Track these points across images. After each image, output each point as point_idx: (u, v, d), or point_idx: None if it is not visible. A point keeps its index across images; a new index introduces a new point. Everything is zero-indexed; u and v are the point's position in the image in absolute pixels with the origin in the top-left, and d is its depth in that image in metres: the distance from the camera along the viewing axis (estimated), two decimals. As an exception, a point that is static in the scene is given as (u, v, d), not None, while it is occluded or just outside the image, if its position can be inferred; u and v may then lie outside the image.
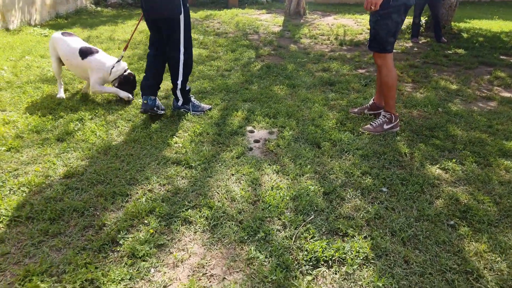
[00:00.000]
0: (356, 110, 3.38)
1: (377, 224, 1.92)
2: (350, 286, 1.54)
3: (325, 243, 1.75)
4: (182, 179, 2.26)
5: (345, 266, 1.63)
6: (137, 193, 2.10)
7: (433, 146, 2.77)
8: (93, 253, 1.65)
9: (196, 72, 4.48)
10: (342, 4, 12.27)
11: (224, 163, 2.43)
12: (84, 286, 1.49)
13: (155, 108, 3.03)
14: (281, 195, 2.11)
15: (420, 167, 2.47)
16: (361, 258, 1.68)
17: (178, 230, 1.83)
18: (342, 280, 1.57)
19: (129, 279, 1.53)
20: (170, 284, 1.52)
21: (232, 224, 1.88)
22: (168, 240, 1.77)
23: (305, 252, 1.70)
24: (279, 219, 1.93)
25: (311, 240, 1.77)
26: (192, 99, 3.30)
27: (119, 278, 1.52)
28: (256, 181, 2.24)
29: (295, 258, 1.67)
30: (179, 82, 3.10)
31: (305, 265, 1.63)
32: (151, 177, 2.24)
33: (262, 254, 1.68)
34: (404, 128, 3.07)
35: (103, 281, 1.50)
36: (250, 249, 1.71)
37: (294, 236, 1.81)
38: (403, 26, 7.74)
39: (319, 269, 1.62)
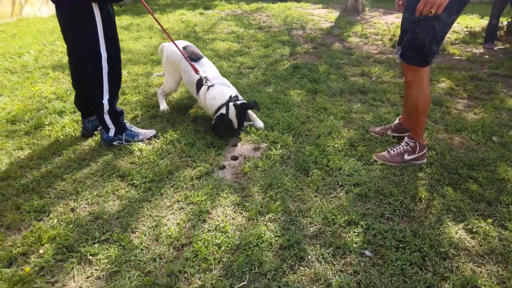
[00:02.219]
0: (377, 129, 2.67)
1: (332, 311, 1.33)
2: None
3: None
4: (115, 200, 1.87)
5: None
6: (56, 211, 1.77)
7: (466, 193, 1.99)
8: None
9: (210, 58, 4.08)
10: None
11: (175, 185, 1.99)
12: None
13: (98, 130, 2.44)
14: (220, 241, 1.60)
15: (435, 223, 1.76)
16: None
17: (70, 271, 1.45)
18: None
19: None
20: None
21: (136, 274, 1.43)
22: (50, 283, 1.40)
23: None
24: (199, 279, 1.44)
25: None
26: (127, 124, 2.43)
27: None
28: (200, 215, 1.76)
29: None
30: (105, 101, 2.23)
31: None
32: (81, 192, 1.89)
33: (144, 332, 1.22)
34: (433, 160, 2.31)
35: None
36: (133, 320, 1.25)
37: (205, 309, 1.31)
38: (477, 28, 6.43)
39: None
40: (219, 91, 2.51)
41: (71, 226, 1.66)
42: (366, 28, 6.52)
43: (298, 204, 1.88)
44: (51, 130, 2.54)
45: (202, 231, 1.67)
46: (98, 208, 1.79)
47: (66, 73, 3.72)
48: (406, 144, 2.29)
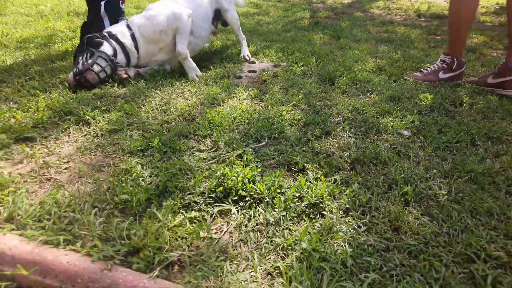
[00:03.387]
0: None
1: (369, 168, 1.11)
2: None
3: (256, 173, 1.02)
4: (121, 88, 1.70)
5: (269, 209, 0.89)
6: (57, 90, 1.61)
7: (516, 100, 1.75)
8: None
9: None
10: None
11: (188, 81, 1.82)
12: None
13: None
14: (234, 115, 1.41)
15: (481, 120, 1.52)
16: (309, 203, 0.92)
17: (65, 130, 1.28)
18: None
19: None
20: None
21: (138, 133, 1.25)
22: (43, 136, 1.23)
23: (214, 180, 0.99)
24: (209, 137, 1.25)
25: (238, 169, 1.05)
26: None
27: None
28: (214, 102, 1.58)
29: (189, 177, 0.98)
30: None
31: (204, 198, 0.94)
32: (86, 79, 1.73)
33: (144, 169, 1.03)
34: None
35: None
36: (132, 161, 1.06)
37: (218, 159, 1.11)
38: None
39: (223, 206, 0.91)
40: None
41: (71, 100, 1.50)
42: (389, 4, 6.29)
43: (323, 102, 1.68)
44: (61, 46, 2.41)
45: (214, 109, 1.48)
46: (102, 91, 1.62)
47: (81, 18, 3.63)
48: (441, 61, 2.05)
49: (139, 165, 1.06)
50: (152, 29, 1.81)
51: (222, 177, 1.00)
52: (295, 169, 1.11)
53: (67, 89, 1.61)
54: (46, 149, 1.14)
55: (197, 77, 1.87)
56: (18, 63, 1.97)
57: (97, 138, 1.24)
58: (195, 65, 1.89)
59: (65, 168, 1.04)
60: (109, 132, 1.26)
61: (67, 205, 0.86)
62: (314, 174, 1.07)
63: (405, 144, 1.28)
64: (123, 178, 0.98)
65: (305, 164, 1.11)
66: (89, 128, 1.30)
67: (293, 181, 1.04)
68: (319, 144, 1.25)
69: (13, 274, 0.68)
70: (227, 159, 1.13)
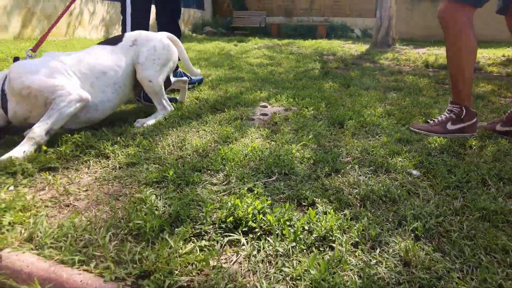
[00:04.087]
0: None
1: (378, 205, 1.12)
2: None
3: (266, 205, 1.04)
4: (139, 127, 1.80)
5: (279, 241, 0.90)
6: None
7: (526, 144, 1.76)
8: None
9: (243, 68, 4.16)
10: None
11: (203, 121, 1.91)
12: None
13: None
14: (245, 152, 1.46)
15: (492, 161, 1.53)
16: (318, 236, 0.92)
17: (85, 162, 1.35)
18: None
19: None
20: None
21: (154, 166, 1.31)
22: (65, 167, 1.30)
23: (224, 211, 1.02)
24: (221, 171, 1.29)
25: (248, 201, 1.08)
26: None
27: None
28: (226, 139, 1.65)
29: (202, 210, 1.01)
30: None
31: (218, 231, 0.96)
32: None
33: (158, 199, 1.07)
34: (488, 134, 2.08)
35: None
36: (147, 191, 1.11)
37: (229, 191, 1.15)
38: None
39: (233, 236, 0.93)
40: None
41: (93, 135, 1.59)
42: (397, 55, 6.56)
43: (333, 142, 1.72)
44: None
45: (225, 146, 1.54)
46: (122, 128, 1.72)
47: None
48: (449, 111, 1.96)
49: (154, 195, 1.10)
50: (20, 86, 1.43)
51: (233, 208, 1.02)
52: (304, 204, 1.13)
53: (87, 128, 1.71)
54: (67, 178, 1.20)
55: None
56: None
57: (115, 170, 1.29)
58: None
59: (84, 196, 1.09)
60: (127, 165, 1.32)
61: (83, 228, 0.89)
62: (324, 208, 1.08)
63: (414, 183, 1.29)
64: (138, 207, 1.02)
65: (314, 199, 1.13)
66: (108, 161, 1.36)
67: (303, 214, 1.06)
68: (328, 181, 1.27)
69: (27, 292, 0.70)
70: (238, 192, 1.16)
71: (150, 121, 1.83)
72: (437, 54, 6.92)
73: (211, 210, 1.03)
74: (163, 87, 1.92)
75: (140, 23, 2.28)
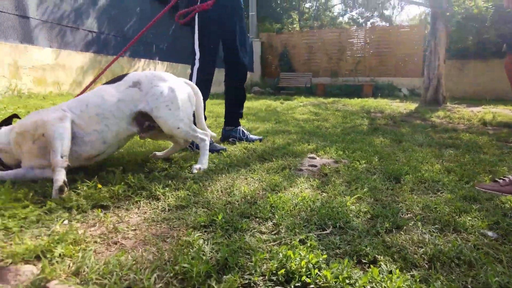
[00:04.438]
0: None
1: (451, 268, 0.97)
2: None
3: (321, 259, 0.94)
4: (189, 173, 1.82)
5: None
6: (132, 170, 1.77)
7: None
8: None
9: (289, 122, 4.21)
10: (499, 100, 10.35)
11: (251, 169, 1.89)
12: None
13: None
14: (295, 201, 1.39)
15: None
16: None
17: (136, 202, 1.36)
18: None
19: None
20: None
21: (203, 210, 1.28)
22: (116, 206, 1.31)
23: (275, 262, 0.93)
24: (270, 220, 1.22)
25: (301, 253, 0.99)
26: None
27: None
28: (275, 187, 1.59)
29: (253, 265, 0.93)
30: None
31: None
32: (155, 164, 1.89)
33: (206, 244, 1.02)
34: None
35: None
36: (195, 235, 1.06)
37: (279, 241, 1.07)
38: None
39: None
40: None
41: (145, 177, 1.62)
42: (450, 114, 6.30)
43: (390, 197, 1.60)
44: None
45: (275, 195, 1.48)
46: (174, 172, 1.74)
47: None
48: None
49: (201, 239, 1.05)
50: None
51: (284, 260, 0.94)
52: (365, 261, 1.01)
53: (142, 171, 1.75)
54: (117, 217, 1.20)
55: (57, 192, 1.35)
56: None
57: (164, 212, 1.28)
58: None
59: (132, 235, 1.07)
60: (176, 208, 1.31)
61: (129, 268, 0.85)
62: (388, 267, 0.95)
63: (492, 245, 1.12)
64: (185, 250, 0.97)
65: (376, 256, 1.01)
66: (158, 202, 1.36)
67: (364, 272, 0.94)
68: (390, 238, 1.14)
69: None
70: (289, 243, 1.07)
71: (204, 161, 1.87)
72: (495, 112, 6.56)
73: (261, 259, 0.95)
74: (192, 123, 1.90)
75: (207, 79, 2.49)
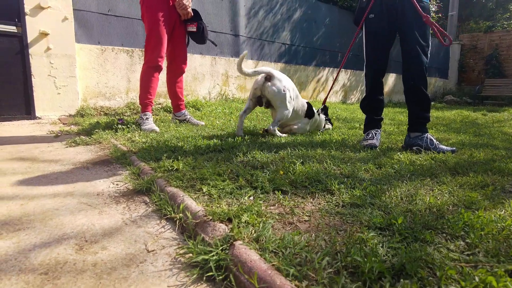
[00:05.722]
0: None
1: None
2: None
3: None
4: (365, 172, 1.73)
5: None
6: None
7: None
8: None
9: (495, 136, 3.43)
10: None
11: (437, 179, 1.63)
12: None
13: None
14: (501, 225, 1.10)
15: None
16: None
17: (312, 194, 1.40)
18: None
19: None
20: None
21: (378, 212, 1.19)
22: (298, 195, 1.40)
23: (468, 283, 0.76)
24: (462, 238, 1.01)
25: (509, 284, 0.77)
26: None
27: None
28: (470, 205, 1.31)
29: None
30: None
31: None
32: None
33: (380, 246, 0.94)
34: None
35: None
36: (369, 233, 1.00)
37: (473, 265, 0.87)
38: None
39: None
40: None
41: (321, 172, 1.65)
42: None
43: None
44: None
45: (474, 213, 1.22)
46: (349, 172, 1.71)
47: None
48: None
49: (376, 239, 0.97)
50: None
51: (482, 285, 0.75)
52: None
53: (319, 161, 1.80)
54: (293, 202, 1.28)
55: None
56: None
57: (338, 207, 1.27)
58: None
59: (306, 220, 1.11)
60: (350, 205, 1.27)
61: (301, 247, 0.88)
62: None
63: None
64: (358, 246, 0.92)
65: None
66: (333, 197, 1.36)
67: None
68: None
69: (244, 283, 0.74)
70: (489, 269, 0.86)
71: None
72: None
73: (448, 278, 0.79)
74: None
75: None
